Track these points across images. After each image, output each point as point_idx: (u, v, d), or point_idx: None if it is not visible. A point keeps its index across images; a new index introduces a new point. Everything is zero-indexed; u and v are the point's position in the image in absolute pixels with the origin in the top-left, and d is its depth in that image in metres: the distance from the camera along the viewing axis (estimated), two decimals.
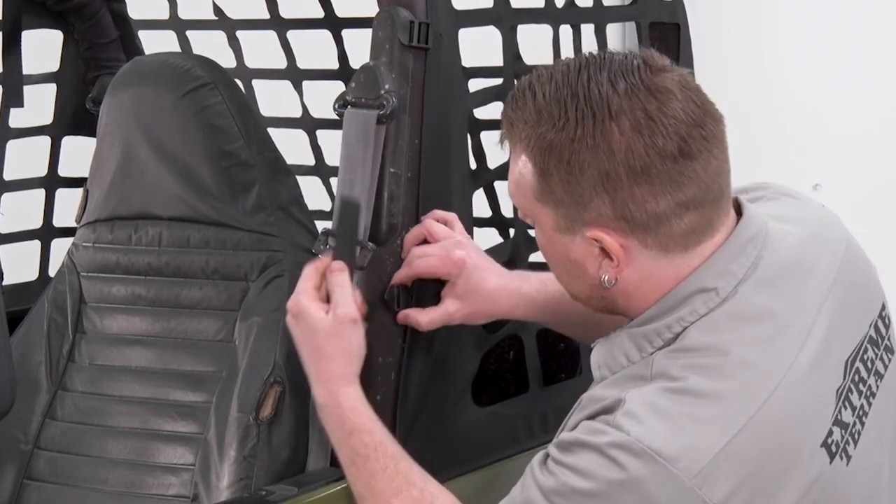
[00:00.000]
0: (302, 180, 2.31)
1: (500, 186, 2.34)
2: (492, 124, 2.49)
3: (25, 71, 2.62)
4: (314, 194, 2.54)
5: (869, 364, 1.70)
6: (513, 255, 2.16)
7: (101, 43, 2.69)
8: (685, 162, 1.59)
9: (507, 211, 2.45)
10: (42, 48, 2.68)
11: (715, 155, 1.61)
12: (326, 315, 1.81)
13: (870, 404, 1.69)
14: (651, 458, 1.55)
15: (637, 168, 1.58)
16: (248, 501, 1.95)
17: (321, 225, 2.05)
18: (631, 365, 1.66)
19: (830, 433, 1.63)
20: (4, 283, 2.58)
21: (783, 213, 1.75)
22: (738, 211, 1.69)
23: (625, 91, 1.59)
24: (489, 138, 2.50)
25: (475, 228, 2.12)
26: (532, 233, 2.24)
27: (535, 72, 1.66)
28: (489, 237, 2.40)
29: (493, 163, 2.28)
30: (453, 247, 1.91)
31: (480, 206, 2.39)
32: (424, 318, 1.91)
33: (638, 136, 1.57)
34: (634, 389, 1.61)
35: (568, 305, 1.97)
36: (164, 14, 2.73)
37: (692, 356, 1.61)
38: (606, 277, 1.65)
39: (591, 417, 1.63)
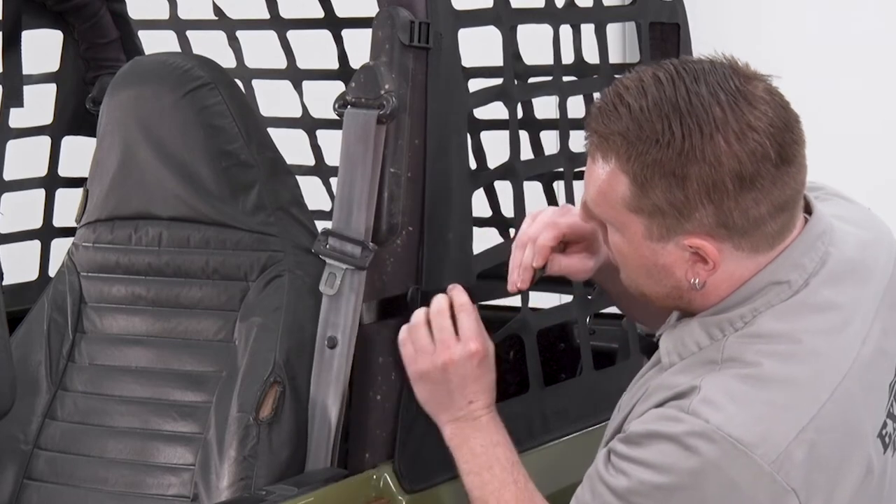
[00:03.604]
0: (302, 180, 2.31)
1: (500, 186, 2.35)
2: (492, 124, 2.49)
3: (25, 71, 2.62)
4: (314, 194, 2.54)
5: None
6: None
7: (101, 43, 2.69)
8: (784, 167, 1.62)
9: (507, 211, 2.45)
10: (42, 48, 2.68)
11: (804, 156, 1.65)
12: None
13: None
14: (732, 445, 1.58)
15: (745, 177, 1.60)
16: (248, 501, 1.95)
17: (321, 225, 2.05)
18: (700, 350, 1.68)
19: (885, 425, 1.69)
20: (4, 283, 2.58)
21: (841, 213, 1.79)
22: (805, 208, 1.73)
23: (726, 102, 1.61)
24: (489, 138, 2.51)
25: (475, 228, 2.11)
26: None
27: (619, 83, 1.66)
28: (489, 237, 2.40)
29: (493, 163, 2.28)
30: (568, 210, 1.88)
31: (481, 206, 2.40)
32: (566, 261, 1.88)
33: (743, 145, 1.60)
34: (709, 375, 1.63)
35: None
36: (164, 14, 2.73)
37: (765, 342, 1.64)
38: (697, 280, 1.66)
39: (660, 405, 1.65)
